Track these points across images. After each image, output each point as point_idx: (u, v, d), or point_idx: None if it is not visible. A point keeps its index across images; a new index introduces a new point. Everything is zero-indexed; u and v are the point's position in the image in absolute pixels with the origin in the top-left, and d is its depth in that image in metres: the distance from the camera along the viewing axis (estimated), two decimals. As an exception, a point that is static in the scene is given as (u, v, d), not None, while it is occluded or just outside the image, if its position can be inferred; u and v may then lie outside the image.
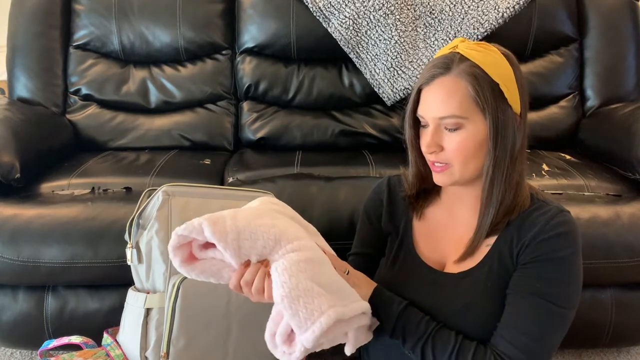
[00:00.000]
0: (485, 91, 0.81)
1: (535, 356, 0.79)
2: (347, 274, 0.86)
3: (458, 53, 0.83)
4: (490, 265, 0.85)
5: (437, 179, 0.87)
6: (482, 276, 0.85)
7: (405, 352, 0.87)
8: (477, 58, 0.82)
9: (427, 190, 0.97)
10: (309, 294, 0.70)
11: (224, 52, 1.88)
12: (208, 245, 0.77)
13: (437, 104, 0.82)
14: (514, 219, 0.85)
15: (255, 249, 0.75)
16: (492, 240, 0.86)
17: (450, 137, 0.83)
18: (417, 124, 0.89)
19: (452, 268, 0.90)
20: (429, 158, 0.87)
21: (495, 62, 0.82)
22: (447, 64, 0.82)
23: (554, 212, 0.83)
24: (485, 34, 1.76)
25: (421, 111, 0.85)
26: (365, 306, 0.80)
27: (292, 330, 0.72)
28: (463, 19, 1.78)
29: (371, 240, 1.01)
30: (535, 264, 0.81)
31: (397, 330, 0.86)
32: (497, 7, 1.76)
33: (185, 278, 1.05)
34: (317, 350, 0.73)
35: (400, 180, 1.00)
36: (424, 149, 0.86)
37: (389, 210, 1.00)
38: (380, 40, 1.78)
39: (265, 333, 0.76)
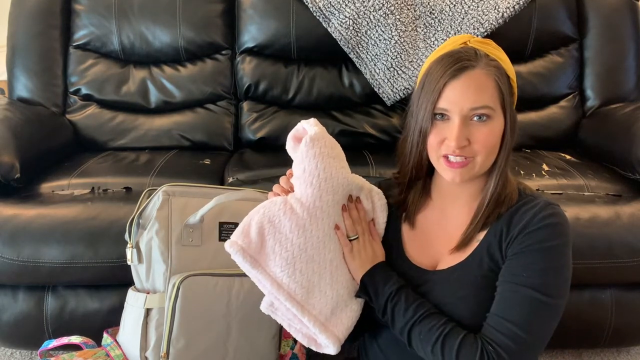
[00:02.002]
0: (505, 85, 0.83)
1: (524, 344, 0.79)
2: (356, 238, 0.90)
3: (477, 49, 0.84)
4: (480, 259, 0.86)
5: (452, 175, 0.85)
6: (471, 270, 0.86)
7: (401, 344, 0.88)
8: (494, 54, 0.84)
9: (417, 190, 0.96)
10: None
11: (224, 52, 1.88)
12: None
13: (468, 95, 0.81)
14: (503, 212, 0.86)
15: (305, 190, 0.87)
16: (481, 235, 0.87)
17: (478, 129, 0.82)
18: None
19: (443, 264, 0.90)
20: (452, 153, 0.83)
21: (505, 58, 0.85)
22: (474, 57, 0.82)
23: (542, 205, 0.84)
24: (485, 34, 1.76)
25: (446, 104, 0.82)
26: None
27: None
28: (463, 19, 1.78)
29: None
30: (523, 254, 0.82)
31: (387, 311, 0.87)
32: (497, 7, 1.76)
33: (185, 278, 1.05)
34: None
35: (391, 184, 1.00)
36: (452, 143, 0.82)
37: None
38: (380, 40, 1.78)
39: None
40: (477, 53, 0.83)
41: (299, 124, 0.90)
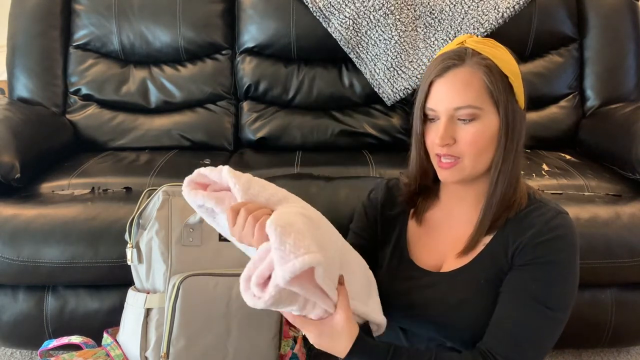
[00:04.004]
0: (498, 83, 0.82)
1: (526, 356, 0.79)
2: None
3: (469, 47, 0.83)
4: (484, 263, 0.85)
5: (445, 175, 0.85)
6: (475, 273, 0.85)
7: (402, 339, 0.88)
8: (487, 52, 0.83)
9: (426, 192, 0.96)
10: (302, 233, 0.68)
11: (224, 52, 1.88)
12: (220, 190, 0.81)
13: (452, 94, 0.81)
14: (512, 216, 0.85)
15: (262, 195, 0.78)
16: (487, 238, 0.86)
17: (464, 129, 0.82)
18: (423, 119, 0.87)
19: (447, 267, 0.90)
20: (440, 152, 0.83)
21: (503, 56, 0.84)
22: (461, 56, 0.82)
23: (553, 213, 0.83)
24: (485, 34, 1.76)
25: (433, 104, 0.83)
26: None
27: (268, 277, 0.69)
28: (463, 19, 1.78)
29: (366, 233, 0.99)
30: (531, 266, 0.81)
31: None
32: (497, 7, 1.76)
33: (185, 278, 1.05)
34: (280, 309, 0.72)
35: (398, 184, 1.00)
36: (436, 141, 0.82)
37: (382, 212, 0.99)
38: (380, 40, 1.78)
39: (242, 275, 0.72)
40: (466, 52, 0.83)
41: (187, 179, 0.80)
